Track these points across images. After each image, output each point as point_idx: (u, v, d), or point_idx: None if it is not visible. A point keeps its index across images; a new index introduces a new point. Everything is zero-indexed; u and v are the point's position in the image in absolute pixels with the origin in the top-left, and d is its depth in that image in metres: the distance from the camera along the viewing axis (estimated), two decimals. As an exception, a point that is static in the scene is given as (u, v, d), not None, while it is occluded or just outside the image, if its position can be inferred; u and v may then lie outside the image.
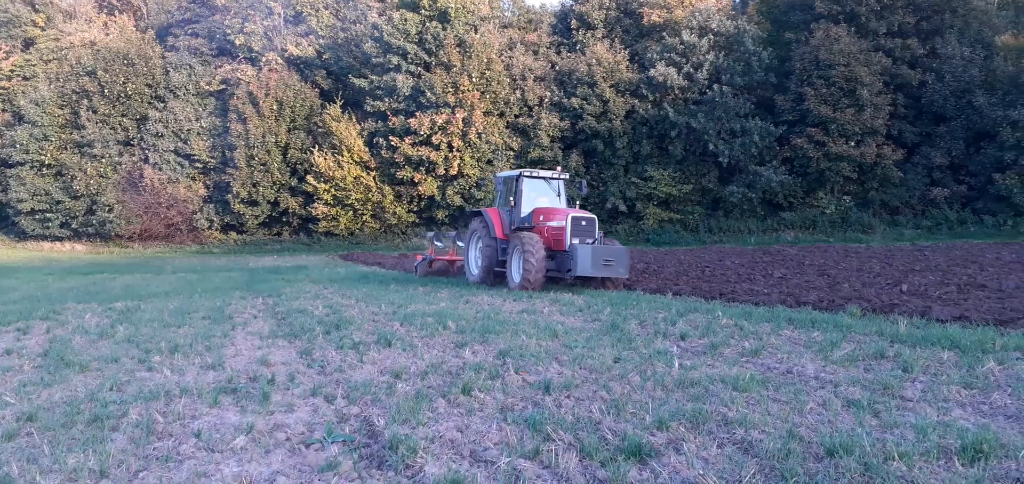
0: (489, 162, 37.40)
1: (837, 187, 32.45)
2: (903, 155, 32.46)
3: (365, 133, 39.23)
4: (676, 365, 6.18)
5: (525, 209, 15.30)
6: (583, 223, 14.44)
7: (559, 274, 14.38)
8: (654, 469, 3.70)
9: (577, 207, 16.10)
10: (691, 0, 37.72)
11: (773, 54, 35.20)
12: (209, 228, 42.37)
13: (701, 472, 3.57)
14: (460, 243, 18.73)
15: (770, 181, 32.74)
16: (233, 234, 42.49)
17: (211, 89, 43.58)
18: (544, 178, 15.90)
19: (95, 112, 42.55)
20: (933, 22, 33.59)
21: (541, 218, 14.85)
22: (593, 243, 14.03)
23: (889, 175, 32.01)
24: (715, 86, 34.27)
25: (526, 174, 15.60)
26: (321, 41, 44.25)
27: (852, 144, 31.68)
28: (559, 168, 17.10)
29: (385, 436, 4.26)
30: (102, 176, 41.92)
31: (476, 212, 16.44)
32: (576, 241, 13.97)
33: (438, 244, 19.52)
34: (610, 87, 36.34)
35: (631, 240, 34.01)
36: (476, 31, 39.10)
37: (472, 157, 37.12)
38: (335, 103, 40.30)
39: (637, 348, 7.16)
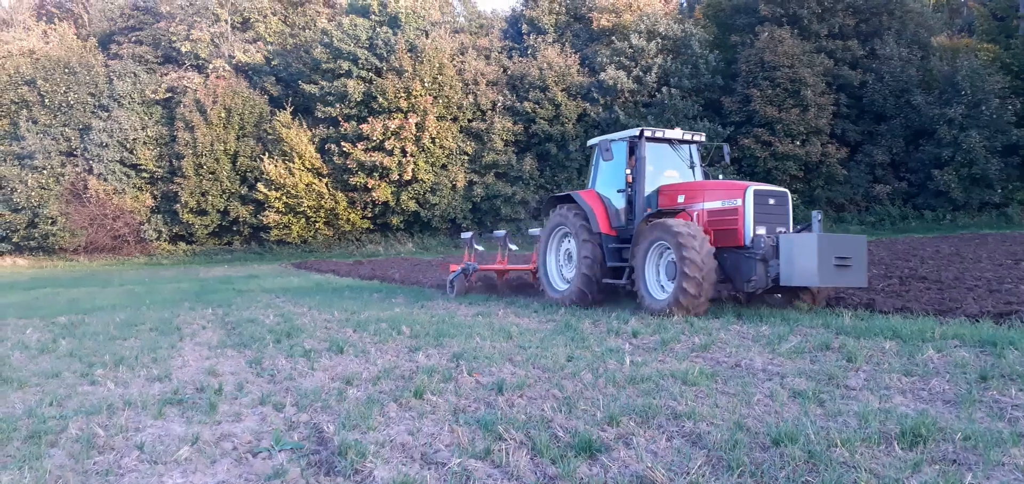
0: (443, 167, 37.32)
1: (784, 185, 33.16)
2: (846, 153, 33.35)
3: (316, 139, 38.79)
4: (627, 362, 6.24)
5: (648, 187, 10.69)
6: (771, 201, 9.61)
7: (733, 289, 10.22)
8: (604, 464, 3.73)
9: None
10: (639, 4, 38.20)
11: (720, 57, 35.85)
12: (157, 239, 41.37)
13: (649, 465, 3.61)
14: (513, 246, 14.64)
15: (718, 180, 33.23)
16: (182, 245, 41.56)
17: (157, 97, 42.56)
18: (670, 141, 11.14)
19: (35, 123, 41.20)
20: (872, 24, 34.60)
21: (681, 199, 10.25)
22: (801, 232, 9.32)
23: (834, 173, 32.87)
24: (664, 89, 34.79)
25: (648, 134, 10.80)
26: (270, 47, 43.63)
27: (797, 143, 32.46)
28: (691, 134, 11.67)
29: (334, 442, 4.21)
30: (44, 188, 40.56)
31: (561, 197, 11.80)
32: (761, 231, 9.26)
33: (479, 247, 14.86)
34: (562, 91, 36.60)
35: (585, 242, 34.19)
36: (427, 36, 39.00)
37: (426, 162, 37.00)
38: (285, 110, 39.75)
39: (590, 346, 7.22)
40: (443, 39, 39.26)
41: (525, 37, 40.57)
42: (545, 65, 37.04)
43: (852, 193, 33.26)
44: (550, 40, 39.37)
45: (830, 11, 34.28)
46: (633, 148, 10.79)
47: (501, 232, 15.12)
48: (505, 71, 39.23)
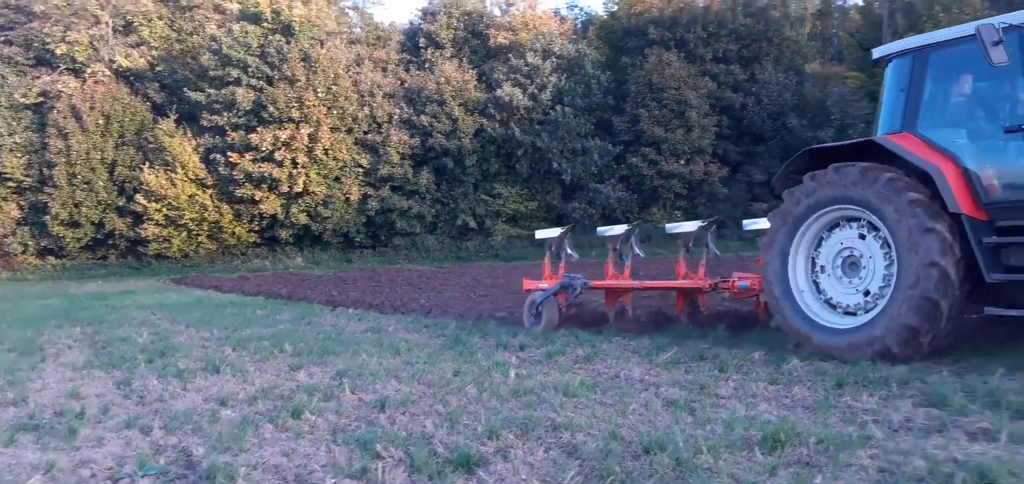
0: (337, 179, 36.64)
1: (669, 203, 34.54)
2: (727, 172, 35.11)
3: (201, 149, 37.24)
4: (512, 375, 6.31)
5: None
6: None
7: None
8: (481, 478, 3.76)
9: None
10: (535, 24, 38.92)
11: (611, 77, 37.05)
12: (23, 253, 38.49)
13: (525, 477, 3.67)
14: (638, 251, 9.90)
15: (609, 198, 34.41)
16: (52, 259, 38.82)
17: (28, 102, 39.66)
18: None
19: None
20: (752, 50, 36.62)
21: None
22: None
23: (715, 191, 34.53)
24: (558, 107, 35.57)
25: None
26: (154, 52, 41.60)
27: (682, 162, 33.96)
28: None
29: (203, 466, 4.05)
30: None
31: (828, 150, 6.93)
32: None
33: (571, 253, 9.93)
34: (459, 105, 36.76)
35: (481, 256, 34.43)
36: (322, 46, 38.29)
37: (318, 174, 36.25)
38: (169, 117, 37.96)
39: (478, 361, 7.24)
40: (339, 49, 38.68)
41: (422, 51, 40.51)
42: (443, 79, 37.11)
43: (732, 210, 34.95)
44: (448, 55, 39.48)
45: (714, 37, 36.06)
46: None
47: (613, 229, 9.86)
48: (402, 84, 39.03)
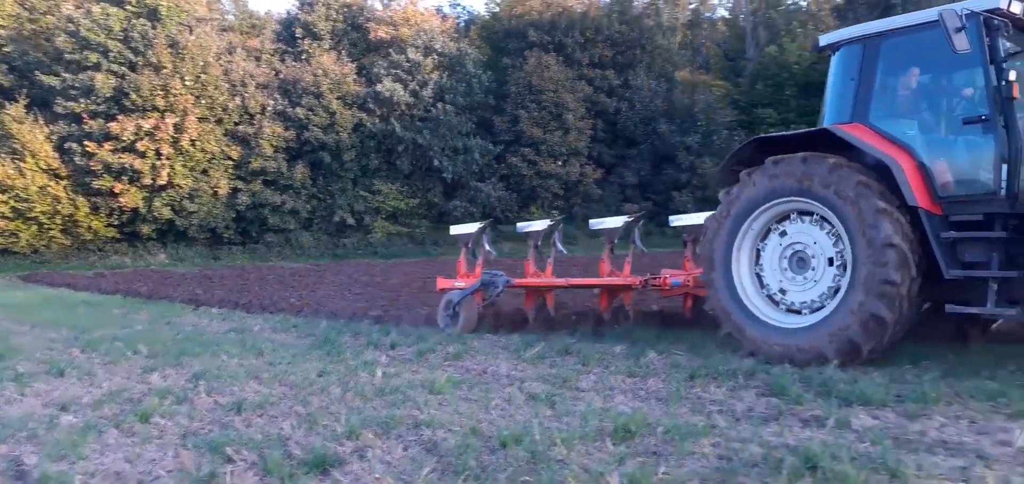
0: (204, 172, 34.93)
1: (547, 202, 35.22)
2: (602, 174, 36.21)
3: (55, 137, 34.48)
4: (379, 374, 6.26)
5: None
6: None
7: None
8: (335, 478, 3.71)
9: None
10: (416, 20, 38.66)
11: (492, 77, 37.34)
12: None
13: (379, 475, 3.66)
14: (561, 248, 9.39)
15: (489, 196, 34.69)
16: None
17: None
18: None
19: None
20: (626, 56, 37.91)
21: None
22: None
23: (590, 192, 35.54)
24: (439, 104, 35.48)
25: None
26: (2, 32, 38.15)
27: (559, 163, 34.76)
28: None
29: (35, 475, 3.78)
30: None
31: (777, 140, 6.61)
32: None
33: (489, 249, 9.64)
34: (337, 99, 35.95)
35: (359, 254, 33.86)
36: (191, 32, 36.40)
37: (184, 166, 34.41)
38: (17, 102, 34.88)
39: (345, 360, 7.13)
40: (209, 36, 36.87)
41: (299, 41, 39.32)
42: (320, 71, 36.16)
43: (605, 211, 36.09)
44: (326, 46, 38.53)
45: (591, 42, 37.07)
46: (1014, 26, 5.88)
47: (539, 225, 9.52)
48: (277, 74, 37.73)
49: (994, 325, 7.04)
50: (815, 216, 6.27)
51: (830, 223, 6.14)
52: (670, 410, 5.01)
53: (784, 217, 6.48)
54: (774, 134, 6.87)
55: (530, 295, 9.25)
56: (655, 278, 8.45)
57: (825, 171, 5.99)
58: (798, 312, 6.36)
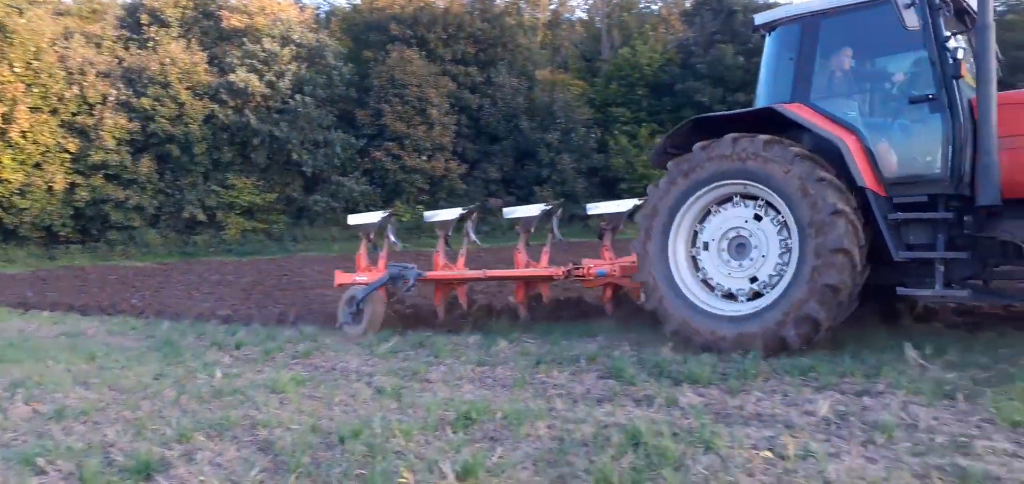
0: (37, 165, 32.11)
1: (412, 197, 34.99)
2: (466, 169, 36.39)
3: None
4: (218, 375, 6.02)
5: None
6: None
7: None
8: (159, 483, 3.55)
9: None
10: (272, 9, 37.26)
11: (354, 70, 36.63)
12: None
13: (206, 477, 3.54)
14: (473, 237, 9.18)
15: (352, 191, 34.03)
16: None
17: None
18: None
19: None
20: (489, 54, 38.28)
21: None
22: None
23: (454, 187, 35.63)
24: (298, 96, 34.37)
25: None
26: None
27: (424, 158, 34.61)
28: None
29: None
30: None
31: (715, 120, 6.37)
32: None
33: (394, 241, 9.12)
34: (186, 89, 34.01)
35: (211, 252, 32.26)
36: (21, 14, 33.33)
37: (14, 159, 31.48)
38: None
39: (185, 362, 6.83)
40: (43, 20, 33.92)
41: (145, 28, 36.88)
42: (168, 60, 34.09)
43: (470, 205, 36.35)
44: (174, 34, 36.35)
45: (454, 38, 37.12)
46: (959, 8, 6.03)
47: (449, 214, 9.19)
48: (120, 62, 35.21)
49: (919, 304, 7.11)
50: (760, 201, 6.05)
51: (775, 208, 5.96)
52: (514, 396, 5.14)
53: (726, 200, 6.24)
54: (712, 114, 6.59)
55: (439, 289, 8.68)
56: (577, 269, 7.94)
57: (759, 148, 5.84)
58: (735, 298, 6.13)
